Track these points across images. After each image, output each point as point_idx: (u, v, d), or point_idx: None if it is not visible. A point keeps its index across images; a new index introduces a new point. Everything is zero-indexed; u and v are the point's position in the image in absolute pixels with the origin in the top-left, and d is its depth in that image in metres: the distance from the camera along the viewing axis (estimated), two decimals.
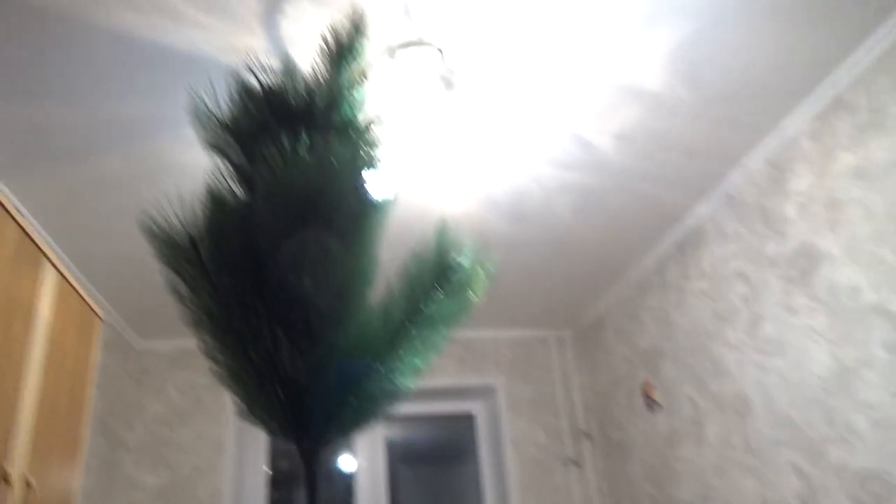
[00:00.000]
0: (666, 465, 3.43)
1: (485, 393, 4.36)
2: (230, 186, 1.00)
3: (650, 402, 3.57)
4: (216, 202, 0.96)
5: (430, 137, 2.11)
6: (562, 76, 2.18)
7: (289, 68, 1.05)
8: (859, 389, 2.24)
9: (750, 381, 2.79)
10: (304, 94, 1.03)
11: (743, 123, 2.50)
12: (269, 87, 1.03)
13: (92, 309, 2.35)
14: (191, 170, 2.45)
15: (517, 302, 3.96)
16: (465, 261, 1.00)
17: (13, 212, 1.79)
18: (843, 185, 2.32)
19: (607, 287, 3.88)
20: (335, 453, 4.40)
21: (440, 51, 1.92)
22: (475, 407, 4.44)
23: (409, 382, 0.94)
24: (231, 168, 1.01)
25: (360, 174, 1.02)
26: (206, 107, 1.01)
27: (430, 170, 2.01)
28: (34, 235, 1.91)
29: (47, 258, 2.00)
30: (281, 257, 0.88)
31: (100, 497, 3.42)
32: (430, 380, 4.22)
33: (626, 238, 3.30)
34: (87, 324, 2.33)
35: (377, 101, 2.15)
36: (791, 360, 2.56)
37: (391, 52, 1.94)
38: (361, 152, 1.02)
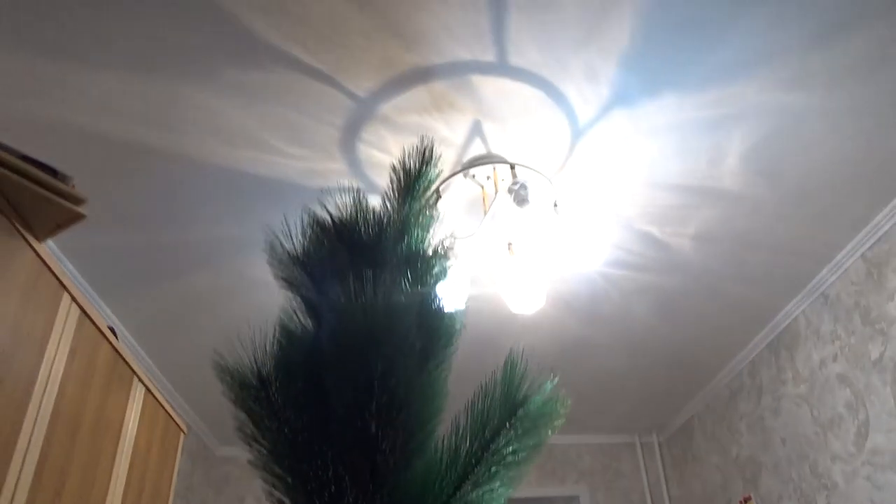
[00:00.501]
0: None
1: (569, 503, 4.13)
2: (300, 321, 1.02)
3: None
4: (286, 337, 0.98)
5: (507, 247, 2.13)
6: (631, 178, 2.17)
7: (359, 202, 1.09)
8: None
9: (861, 496, 2.54)
10: (374, 227, 1.06)
11: (832, 219, 2.40)
12: (341, 221, 1.07)
13: (176, 422, 2.40)
14: (273, 286, 2.54)
15: (600, 406, 3.81)
16: (536, 396, 0.96)
17: (107, 333, 1.88)
18: None
19: (696, 390, 3.69)
20: None
21: (512, 167, 1.96)
22: None
23: None
24: (302, 303, 1.04)
25: (427, 307, 1.02)
26: (281, 242, 1.05)
27: (505, 278, 2.00)
28: (126, 356, 2.00)
29: (137, 376, 2.08)
30: (346, 397, 0.88)
31: None
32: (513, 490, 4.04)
33: (712, 339, 3.16)
34: (171, 436, 2.37)
35: (453, 216, 2.20)
36: None
37: (465, 169, 1.99)
38: (428, 283, 1.03)
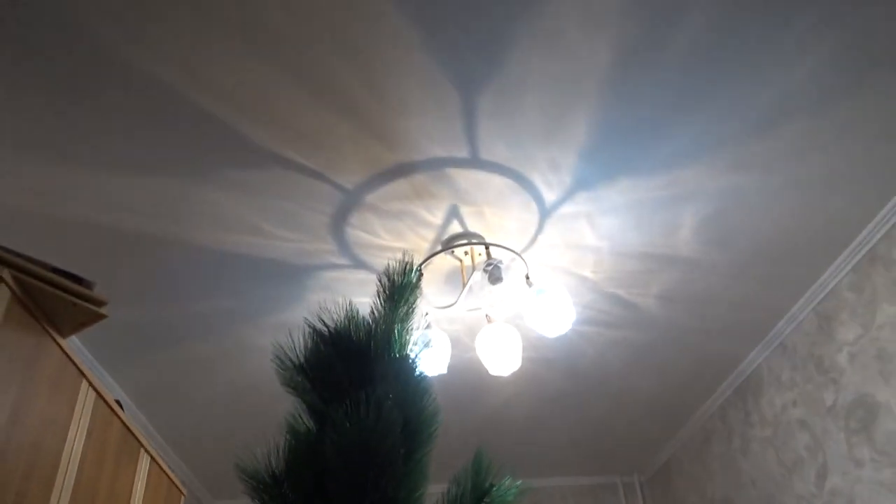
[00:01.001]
0: None
1: None
2: (305, 423, 1.21)
3: None
4: (294, 438, 1.16)
5: (485, 316, 2.32)
6: (596, 249, 2.38)
7: (351, 314, 1.28)
8: None
9: None
10: (364, 334, 1.25)
11: (784, 278, 2.62)
12: (336, 330, 1.26)
13: (177, 486, 2.54)
14: (263, 352, 2.73)
15: (582, 450, 3.98)
16: (499, 486, 1.15)
17: (116, 409, 2.04)
18: (890, 336, 2.38)
19: (673, 433, 3.88)
20: None
21: (486, 247, 2.17)
22: None
23: None
24: (306, 406, 1.23)
25: (411, 408, 1.21)
26: (286, 354, 1.24)
27: (482, 343, 2.19)
28: (133, 428, 2.15)
29: (143, 447, 2.23)
30: (345, 495, 1.06)
31: None
32: None
33: (683, 386, 3.36)
34: (172, 499, 2.51)
35: (435, 288, 2.39)
36: None
37: (444, 249, 2.20)
38: (412, 384, 1.22)
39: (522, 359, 2.99)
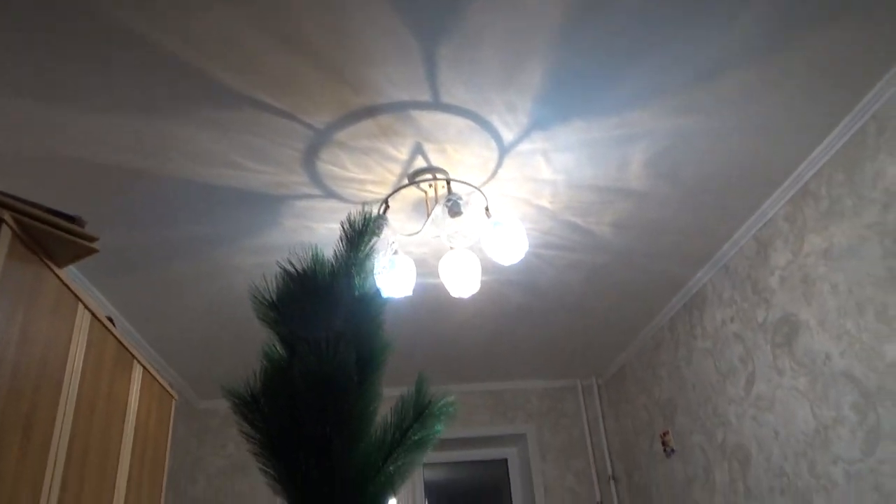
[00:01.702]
0: None
1: (517, 440, 4.69)
2: (279, 351, 1.42)
3: (667, 449, 3.86)
4: (269, 363, 1.38)
5: (448, 243, 2.51)
6: (552, 183, 2.55)
7: (317, 258, 1.48)
8: (835, 445, 2.52)
9: (748, 433, 3.08)
10: (328, 276, 1.45)
11: (728, 207, 2.84)
12: (303, 272, 1.46)
13: (168, 392, 2.80)
14: (241, 271, 2.93)
15: (544, 356, 4.32)
16: (435, 403, 1.39)
17: (110, 327, 2.25)
18: (813, 262, 2.63)
19: (626, 342, 4.21)
20: None
21: (448, 182, 2.33)
22: (509, 453, 4.77)
23: (399, 484, 1.35)
24: (278, 337, 1.44)
25: (366, 342, 1.43)
26: (260, 293, 1.44)
27: (444, 269, 2.40)
28: (125, 343, 2.37)
29: (135, 359, 2.46)
30: (310, 411, 1.29)
31: None
32: (467, 430, 4.58)
33: (636, 303, 3.64)
34: (165, 403, 2.78)
35: (402, 217, 2.57)
36: (780, 416, 2.85)
37: (409, 184, 2.36)
38: (368, 321, 1.43)
39: (488, 278, 3.23)
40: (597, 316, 3.79)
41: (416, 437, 1.35)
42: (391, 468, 1.31)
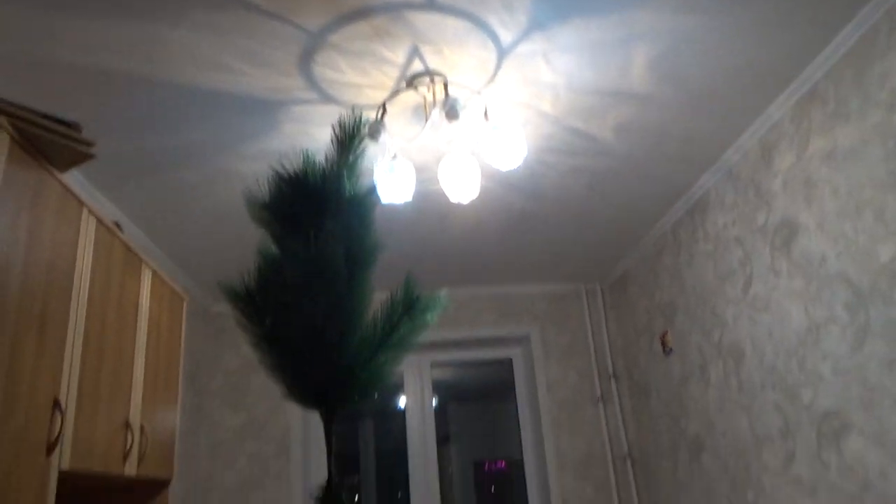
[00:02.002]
0: (679, 403, 3.86)
1: (521, 341, 4.84)
2: (273, 250, 1.47)
3: (666, 349, 3.97)
4: (263, 261, 1.44)
5: (447, 146, 2.52)
6: (553, 86, 2.51)
7: (308, 160, 1.50)
8: (825, 342, 2.60)
9: (743, 332, 3.17)
10: (319, 178, 1.48)
11: (733, 110, 2.79)
12: (294, 175, 1.48)
13: (178, 293, 2.90)
14: (243, 176, 2.96)
15: (548, 261, 4.38)
16: (422, 298, 1.45)
17: (115, 230, 2.31)
18: (816, 165, 2.61)
19: (630, 247, 4.25)
20: (358, 411, 5.02)
21: (445, 85, 2.30)
22: (514, 353, 4.93)
23: (389, 374, 1.44)
24: (271, 236, 1.48)
25: (355, 241, 1.47)
26: (254, 196, 1.48)
27: (444, 173, 2.42)
28: (133, 246, 2.44)
29: (144, 261, 2.54)
30: (302, 304, 1.35)
31: (192, 435, 4.11)
32: (474, 331, 4.73)
33: (640, 207, 3.65)
34: (176, 304, 2.89)
35: (400, 122, 2.56)
36: (775, 315, 2.92)
37: (409, 81, 2.34)
38: (357, 220, 1.47)
39: (491, 184, 3.24)
40: (600, 222, 3.81)
41: (405, 329, 1.42)
42: (382, 358, 1.39)
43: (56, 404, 1.82)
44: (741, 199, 3.14)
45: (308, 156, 1.50)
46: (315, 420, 4.57)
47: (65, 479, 1.94)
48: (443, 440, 5.27)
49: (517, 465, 4.82)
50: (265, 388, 4.44)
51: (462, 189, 2.46)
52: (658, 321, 4.12)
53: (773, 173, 2.89)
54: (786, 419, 2.86)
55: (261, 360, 1.49)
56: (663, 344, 4.03)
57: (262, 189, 1.49)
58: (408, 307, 1.42)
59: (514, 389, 4.89)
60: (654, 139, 2.96)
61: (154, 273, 2.65)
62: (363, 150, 1.61)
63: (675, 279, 3.85)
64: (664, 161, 3.17)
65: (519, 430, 4.81)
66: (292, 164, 1.49)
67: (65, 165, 1.85)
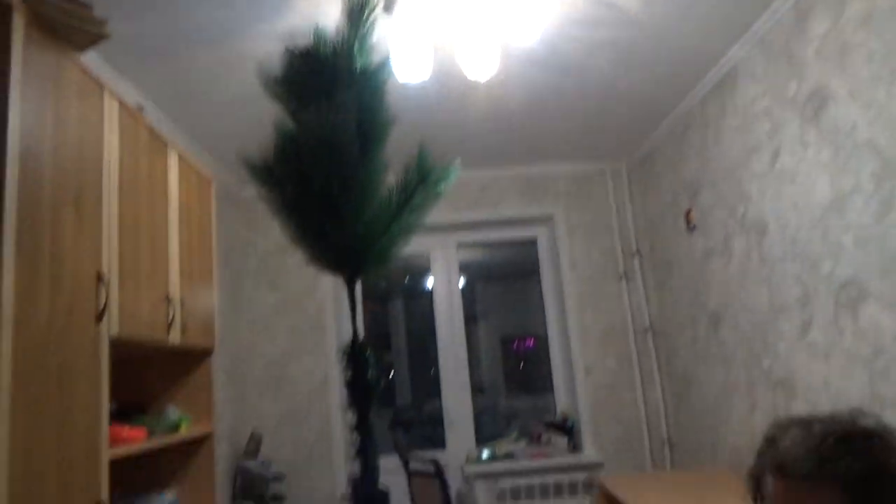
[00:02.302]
0: (701, 278, 3.92)
1: (546, 221, 4.89)
2: (288, 123, 1.50)
3: (690, 226, 3.99)
4: (280, 135, 1.47)
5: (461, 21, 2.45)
6: None
7: (319, 35, 1.49)
8: (850, 213, 2.59)
9: (768, 206, 3.16)
10: (330, 52, 1.47)
11: None
12: (306, 50, 1.48)
13: (205, 175, 2.97)
14: (261, 57, 2.91)
15: (573, 139, 4.33)
16: (436, 168, 1.48)
17: (138, 113, 2.35)
18: (852, 30, 2.49)
19: (656, 124, 4.17)
20: (375, 279, 5.19)
21: None
22: (538, 232, 4.99)
23: (406, 241, 1.51)
24: (286, 111, 1.50)
25: (367, 114, 1.48)
26: (269, 73, 1.49)
27: (460, 47, 2.37)
28: (157, 128, 2.48)
29: (170, 144, 2.59)
30: (317, 174, 1.39)
31: (231, 313, 4.34)
32: (498, 212, 4.78)
33: (667, 82, 3.55)
34: (204, 185, 2.97)
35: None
36: (800, 188, 2.89)
37: None
38: (369, 95, 1.47)
39: (512, 62, 3.16)
40: (625, 98, 3.72)
41: (420, 199, 1.47)
42: (398, 226, 1.45)
43: (99, 277, 1.94)
44: (772, 70, 3.03)
45: (319, 31, 1.49)
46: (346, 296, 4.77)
47: (116, 346, 2.09)
48: (471, 319, 5.45)
49: (543, 342, 5.01)
50: (299, 269, 4.61)
51: (480, 65, 2.41)
52: (683, 198, 4.10)
53: (806, 40, 2.77)
54: (804, 289, 2.91)
55: (282, 228, 1.56)
56: (687, 221, 4.04)
57: (276, 66, 1.49)
58: (422, 178, 1.45)
59: (540, 268, 4.99)
60: (683, 7, 2.83)
61: (180, 156, 2.71)
62: (374, 23, 1.59)
63: (702, 155, 3.79)
64: (693, 31, 3.04)
65: (544, 307, 4.96)
66: (304, 40, 1.49)
67: (81, 46, 1.87)
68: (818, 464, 1.02)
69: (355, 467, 1.74)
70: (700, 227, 3.90)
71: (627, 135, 4.33)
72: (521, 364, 6.15)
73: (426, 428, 5.25)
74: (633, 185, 4.86)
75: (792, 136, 2.93)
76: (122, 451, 2.04)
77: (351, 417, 1.59)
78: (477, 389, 5.08)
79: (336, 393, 4.48)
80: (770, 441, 1.12)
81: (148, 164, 2.39)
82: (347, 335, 4.62)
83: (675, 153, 4.14)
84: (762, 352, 3.30)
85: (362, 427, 1.54)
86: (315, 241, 1.40)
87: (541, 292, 4.98)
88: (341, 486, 4.37)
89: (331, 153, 1.36)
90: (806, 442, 1.05)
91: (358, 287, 1.76)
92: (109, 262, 2.03)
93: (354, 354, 1.42)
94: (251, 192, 4.63)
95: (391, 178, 1.55)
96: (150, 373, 2.76)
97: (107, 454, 1.91)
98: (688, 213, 4.02)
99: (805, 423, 1.10)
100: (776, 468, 1.07)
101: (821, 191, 2.76)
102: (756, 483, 1.12)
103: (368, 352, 1.43)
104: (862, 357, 2.56)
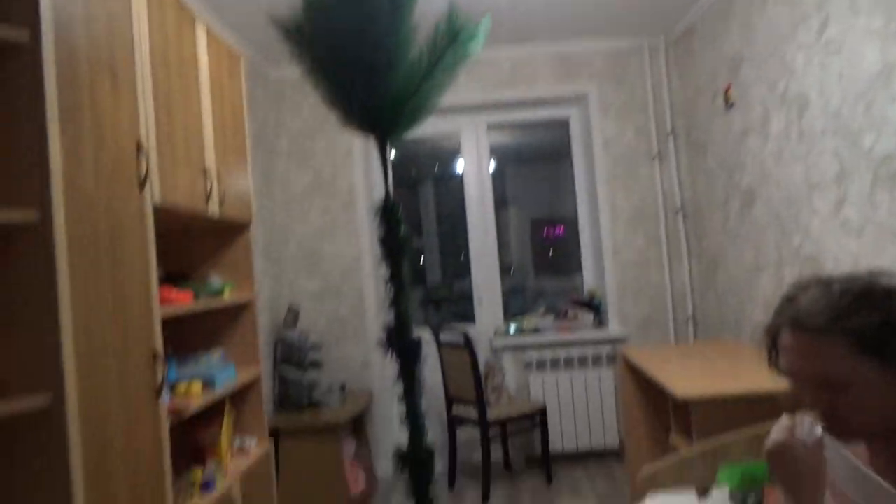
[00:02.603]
0: (736, 156, 3.86)
1: (579, 100, 4.78)
2: None
3: (728, 104, 3.88)
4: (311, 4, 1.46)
5: None
6: None
7: None
8: None
9: (811, 79, 3.04)
10: None
11: None
12: None
13: (234, 52, 2.95)
14: None
15: (609, 12, 4.14)
16: (466, 27, 1.46)
17: None
18: None
19: None
20: (400, 142, 5.17)
21: None
22: (571, 112, 4.90)
23: (436, 100, 1.51)
24: None
25: None
26: None
27: None
28: (184, 3, 2.45)
29: (197, 18, 2.56)
30: (349, 36, 1.39)
31: (266, 192, 4.43)
32: (530, 91, 4.68)
33: None
34: (234, 62, 2.95)
35: None
36: (848, 58, 2.77)
37: None
38: None
39: None
40: None
41: (450, 59, 1.46)
42: (428, 86, 1.45)
43: (139, 147, 1.99)
44: None
45: None
46: (379, 178, 4.81)
47: (158, 215, 2.18)
48: (501, 203, 5.48)
49: (573, 226, 5.04)
50: (330, 149, 4.64)
51: None
52: (722, 75, 3.96)
53: None
54: (842, 165, 2.85)
55: (315, 89, 1.57)
56: (726, 98, 3.91)
57: None
58: (452, 37, 1.44)
59: (571, 150, 4.94)
60: None
61: (208, 31, 2.68)
62: None
63: (745, 28, 3.62)
64: None
65: (574, 190, 4.95)
66: None
67: None
68: (833, 318, 1.05)
69: (390, 316, 1.84)
70: (738, 105, 3.79)
71: (668, 7, 4.13)
72: (551, 251, 6.24)
73: (457, 305, 5.44)
74: (670, 62, 4.69)
75: (843, 4, 2.77)
76: (171, 310, 2.17)
77: (385, 271, 1.66)
78: (506, 270, 5.19)
79: (369, 271, 4.62)
80: (789, 299, 1.15)
81: (177, 37, 2.37)
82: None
83: (718, 26, 3.96)
84: (794, 230, 3.30)
85: (395, 279, 1.61)
86: (347, 101, 1.41)
87: (572, 175, 4.96)
88: (375, 350, 4.59)
89: (361, 12, 1.35)
90: (824, 298, 1.08)
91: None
92: (147, 132, 2.07)
93: (387, 212, 1.47)
94: (280, 73, 4.59)
95: (421, 39, 1.55)
96: (192, 244, 2.88)
97: (158, 312, 2.04)
98: (727, 91, 3.90)
99: (825, 282, 1.12)
100: (791, 322, 1.11)
101: (869, 60, 2.64)
102: (772, 338, 1.16)
103: (399, 211, 1.48)
104: (895, 231, 2.54)
